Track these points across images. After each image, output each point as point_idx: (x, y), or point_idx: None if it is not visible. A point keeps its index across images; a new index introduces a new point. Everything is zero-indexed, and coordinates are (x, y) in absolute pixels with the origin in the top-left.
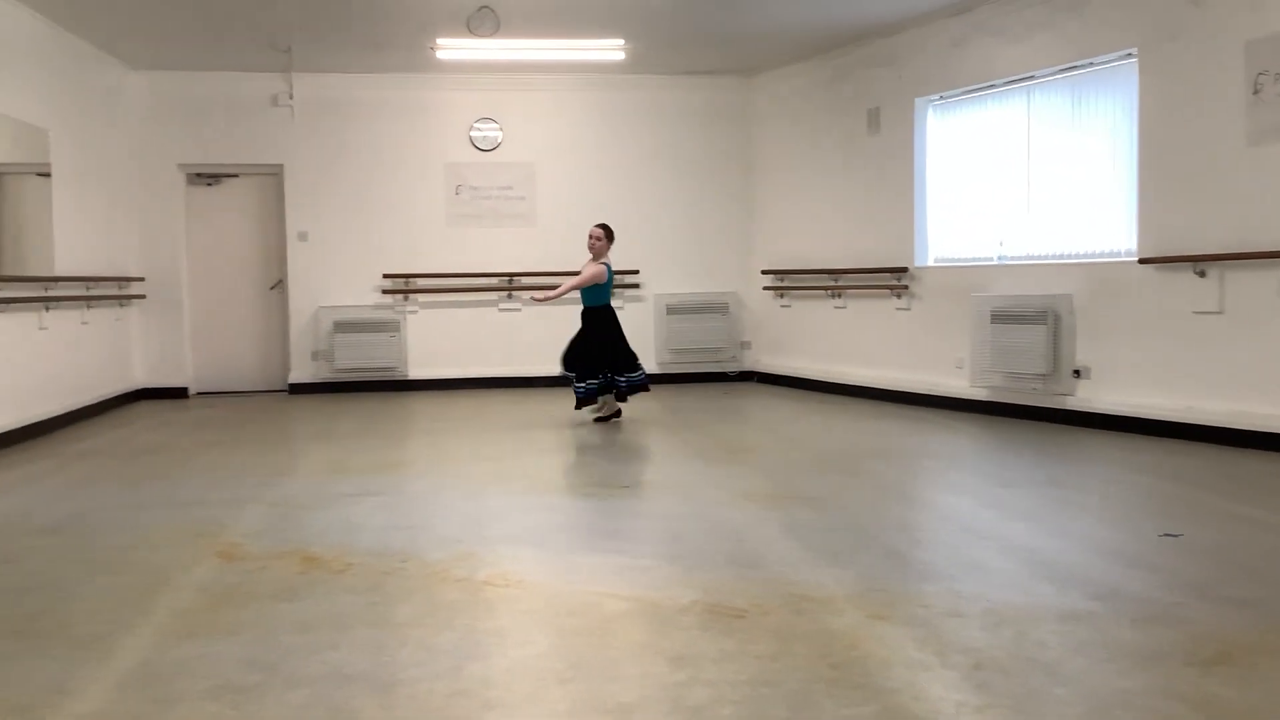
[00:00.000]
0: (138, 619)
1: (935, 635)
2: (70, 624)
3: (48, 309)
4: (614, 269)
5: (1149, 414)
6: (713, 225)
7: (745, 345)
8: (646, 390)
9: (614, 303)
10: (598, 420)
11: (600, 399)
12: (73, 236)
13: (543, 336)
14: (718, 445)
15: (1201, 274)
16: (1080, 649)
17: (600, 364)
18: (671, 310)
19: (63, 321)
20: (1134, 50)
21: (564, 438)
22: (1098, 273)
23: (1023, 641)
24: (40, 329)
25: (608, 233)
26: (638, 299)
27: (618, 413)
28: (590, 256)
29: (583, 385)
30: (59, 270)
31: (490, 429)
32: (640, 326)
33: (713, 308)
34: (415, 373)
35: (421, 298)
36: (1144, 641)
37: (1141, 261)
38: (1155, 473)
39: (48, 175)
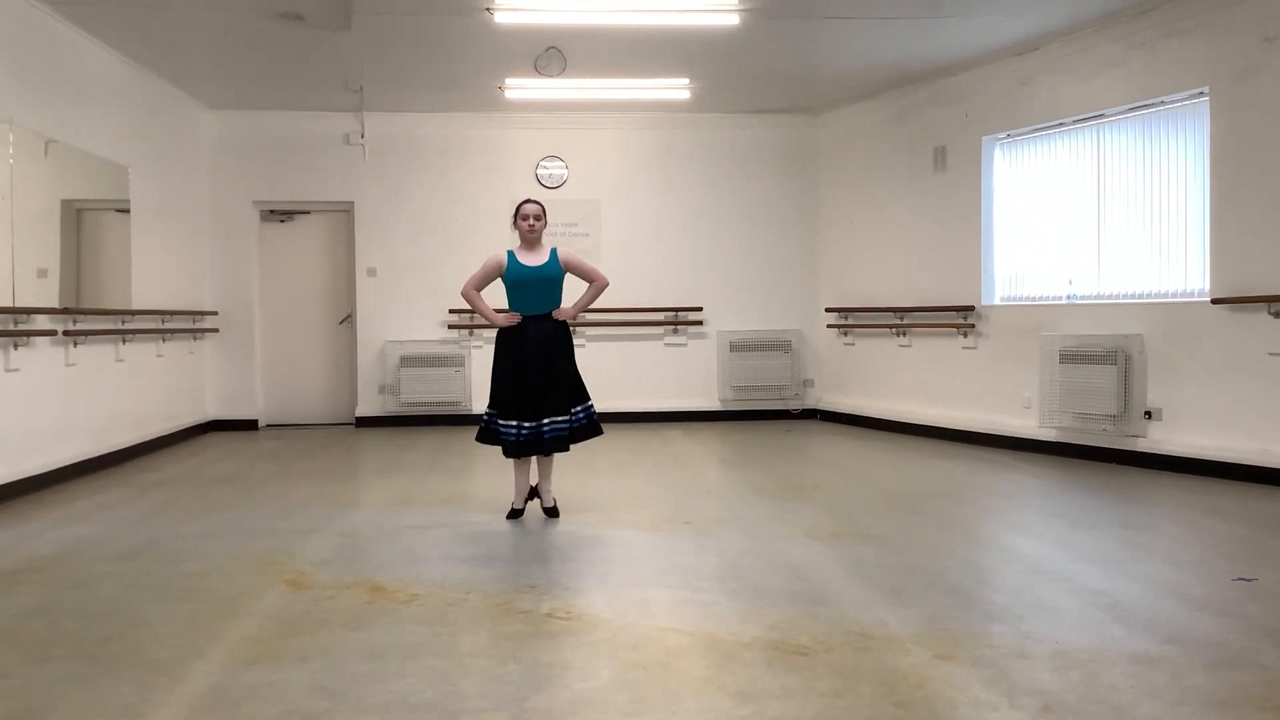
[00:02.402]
0: (208, 645)
1: (1003, 676)
2: (142, 648)
3: (125, 341)
4: (676, 305)
5: (1222, 457)
6: (776, 262)
7: (808, 383)
8: (600, 432)
9: (676, 339)
10: (514, 514)
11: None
12: (149, 271)
13: (608, 371)
14: (780, 482)
15: (1277, 315)
16: (1152, 693)
17: (551, 399)
18: (735, 347)
19: (139, 354)
20: (1205, 89)
21: (624, 472)
22: (1169, 313)
23: (1093, 684)
24: (117, 361)
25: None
26: (701, 335)
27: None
28: (524, 243)
29: (512, 428)
30: (136, 304)
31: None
32: (703, 363)
33: (776, 345)
34: (479, 407)
35: (485, 333)
36: (1217, 686)
37: (1214, 302)
38: (1228, 516)
39: (127, 211)
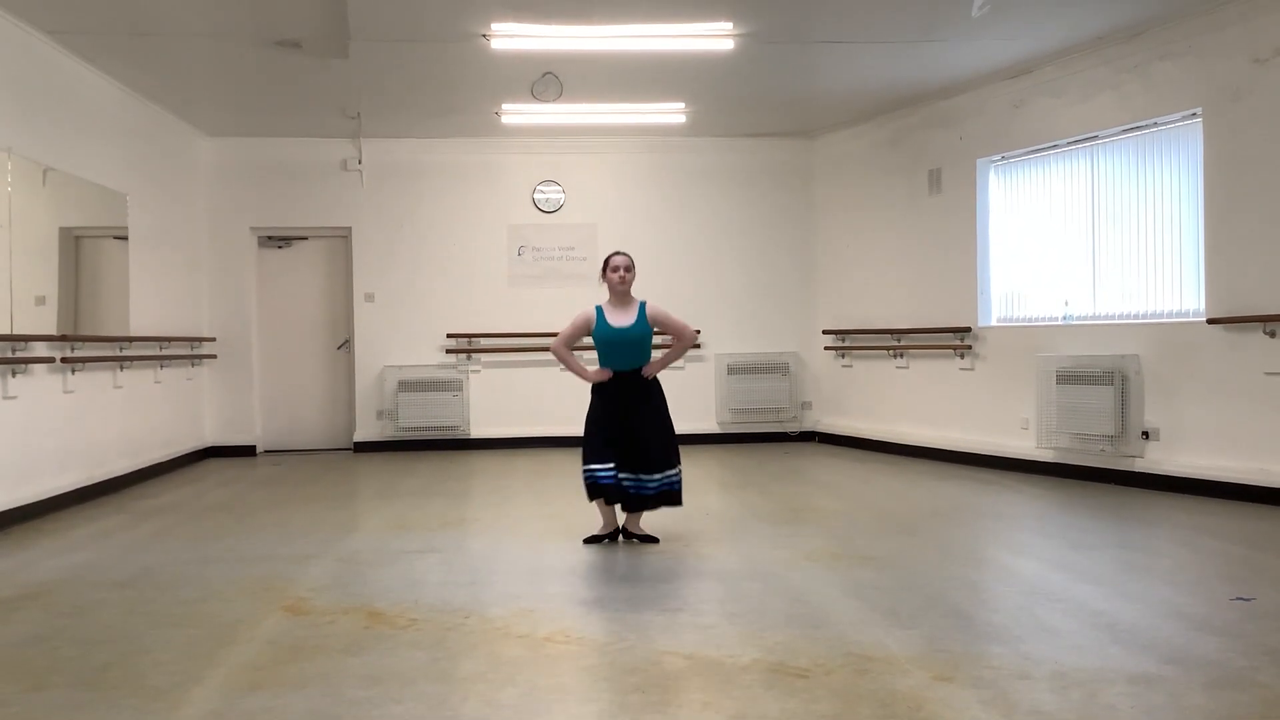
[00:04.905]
0: (206, 671)
1: (1002, 697)
2: (140, 675)
3: (122, 368)
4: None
5: (1220, 476)
6: (773, 285)
7: (806, 405)
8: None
9: (674, 362)
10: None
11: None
12: (147, 297)
13: None
14: (779, 505)
15: (1272, 334)
16: (1151, 713)
17: (637, 455)
18: (732, 370)
19: (137, 380)
20: (1198, 110)
21: None
22: (1165, 333)
23: (1091, 704)
24: (115, 387)
25: None
26: (699, 359)
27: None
28: (613, 294)
29: (600, 469)
30: (134, 330)
31: (551, 488)
32: (701, 386)
33: (773, 367)
34: (477, 432)
35: (484, 357)
36: (1216, 706)
37: (1210, 322)
38: (1227, 536)
39: (125, 238)
